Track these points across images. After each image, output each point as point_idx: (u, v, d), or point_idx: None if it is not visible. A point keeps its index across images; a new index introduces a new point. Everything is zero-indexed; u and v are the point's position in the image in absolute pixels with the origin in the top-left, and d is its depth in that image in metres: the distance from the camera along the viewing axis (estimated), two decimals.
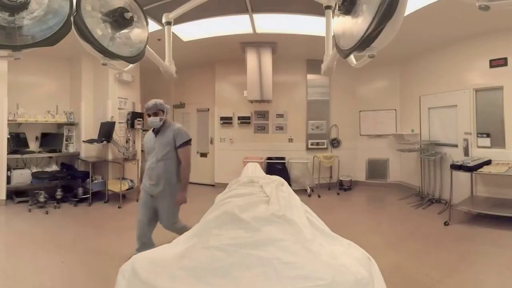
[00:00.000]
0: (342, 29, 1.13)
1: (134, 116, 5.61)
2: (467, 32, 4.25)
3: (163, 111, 2.57)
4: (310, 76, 6.14)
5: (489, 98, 4.29)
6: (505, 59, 4.05)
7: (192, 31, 4.51)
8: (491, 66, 4.19)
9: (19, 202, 4.69)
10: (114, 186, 5.00)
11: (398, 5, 0.80)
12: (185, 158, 2.61)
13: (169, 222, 2.63)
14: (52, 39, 1.13)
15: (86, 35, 1.17)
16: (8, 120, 4.74)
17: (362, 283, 1.15)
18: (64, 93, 5.70)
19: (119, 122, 5.36)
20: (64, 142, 5.32)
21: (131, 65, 1.55)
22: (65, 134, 5.35)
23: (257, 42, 5.19)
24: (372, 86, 6.51)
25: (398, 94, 6.20)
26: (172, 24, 2.04)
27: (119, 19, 1.25)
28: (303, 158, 6.01)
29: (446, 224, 3.79)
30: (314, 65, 5.70)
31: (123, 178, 5.07)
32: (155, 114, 2.50)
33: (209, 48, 5.34)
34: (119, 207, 4.75)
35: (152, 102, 2.53)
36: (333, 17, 1.42)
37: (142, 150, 2.80)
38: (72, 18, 1.16)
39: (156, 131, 2.59)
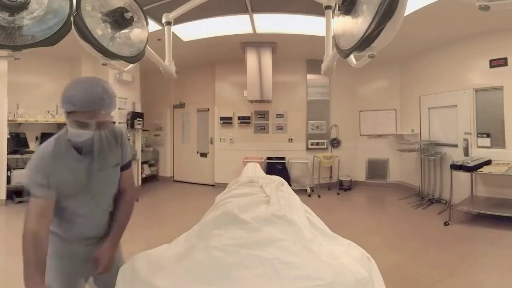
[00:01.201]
0: (342, 29, 1.13)
1: (134, 116, 5.62)
2: (467, 32, 4.25)
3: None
4: (310, 76, 6.14)
5: (489, 98, 4.29)
6: (505, 59, 4.05)
7: (192, 31, 4.51)
8: (491, 66, 4.20)
9: (19, 202, 4.69)
10: None
11: (398, 5, 0.80)
12: (133, 185, 1.45)
13: None
14: (52, 39, 1.14)
15: (86, 35, 1.17)
16: (8, 120, 4.75)
17: (362, 283, 1.15)
18: None
19: (119, 122, 5.36)
20: None
21: (131, 65, 1.55)
22: None
23: (257, 42, 5.19)
24: (372, 86, 6.51)
25: (398, 94, 6.21)
26: (172, 24, 2.04)
27: (119, 19, 1.25)
28: (303, 158, 6.01)
29: (446, 224, 3.79)
30: (314, 65, 5.70)
31: None
32: (102, 117, 1.15)
33: (209, 48, 5.35)
34: None
35: (103, 90, 1.15)
36: (333, 17, 1.42)
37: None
38: (72, 18, 1.16)
39: (87, 149, 1.19)
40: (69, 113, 1.13)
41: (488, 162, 3.99)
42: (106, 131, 1.22)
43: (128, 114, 5.57)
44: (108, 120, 1.19)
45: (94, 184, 1.24)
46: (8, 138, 4.73)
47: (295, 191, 2.35)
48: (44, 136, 5.33)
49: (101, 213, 1.32)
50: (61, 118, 5.37)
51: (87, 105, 1.10)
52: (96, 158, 1.21)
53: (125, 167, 1.40)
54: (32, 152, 5.08)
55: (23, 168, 4.99)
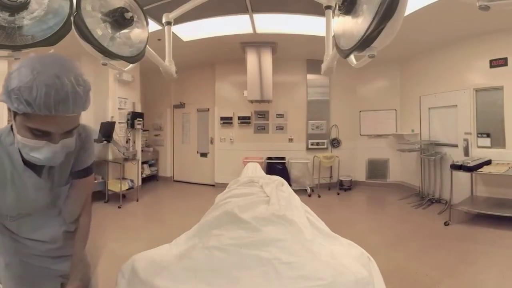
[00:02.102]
0: (342, 29, 1.13)
1: (134, 116, 5.62)
2: (467, 32, 4.25)
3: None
4: (310, 76, 6.14)
5: (489, 98, 4.29)
6: (505, 59, 4.05)
7: (192, 31, 4.51)
8: (491, 66, 4.20)
9: None
10: (114, 186, 5.00)
11: (398, 5, 0.80)
12: (89, 198, 1.14)
13: None
14: (52, 39, 1.13)
15: (86, 35, 1.16)
16: (8, 120, 4.74)
17: (362, 283, 1.15)
18: None
19: (119, 122, 5.36)
20: None
21: (131, 65, 1.54)
22: None
23: (257, 42, 5.19)
24: (372, 86, 6.51)
25: (398, 94, 6.20)
26: (172, 24, 2.04)
27: (119, 19, 1.25)
28: (303, 158, 6.01)
29: (446, 224, 3.79)
30: (314, 65, 5.71)
31: (123, 178, 5.07)
32: (72, 123, 0.84)
33: (209, 48, 5.34)
34: (119, 207, 4.75)
35: (76, 82, 0.78)
36: (333, 17, 1.42)
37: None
38: (72, 18, 1.16)
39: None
40: (17, 114, 0.78)
41: (488, 162, 3.99)
42: (74, 138, 0.88)
43: (128, 114, 5.58)
44: (77, 125, 0.86)
45: (45, 203, 0.99)
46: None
47: (295, 191, 2.35)
48: None
49: (55, 231, 1.07)
50: None
51: (52, 107, 0.74)
52: (50, 174, 0.95)
53: (86, 173, 1.06)
54: None
55: None
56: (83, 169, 1.06)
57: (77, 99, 0.78)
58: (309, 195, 5.57)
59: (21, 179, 0.91)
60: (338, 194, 5.82)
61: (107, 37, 1.25)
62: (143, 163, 6.31)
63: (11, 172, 0.89)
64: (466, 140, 4.47)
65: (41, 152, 0.82)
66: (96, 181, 5.04)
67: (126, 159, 5.25)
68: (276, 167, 5.80)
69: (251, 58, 5.42)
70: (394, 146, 6.03)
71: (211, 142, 6.67)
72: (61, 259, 1.10)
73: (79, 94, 0.78)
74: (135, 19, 1.35)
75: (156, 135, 7.24)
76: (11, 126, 0.88)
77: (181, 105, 7.05)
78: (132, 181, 5.31)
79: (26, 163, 0.90)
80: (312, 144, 6.19)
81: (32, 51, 1.12)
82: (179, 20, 2.27)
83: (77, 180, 1.06)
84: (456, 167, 3.81)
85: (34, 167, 0.91)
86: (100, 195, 5.02)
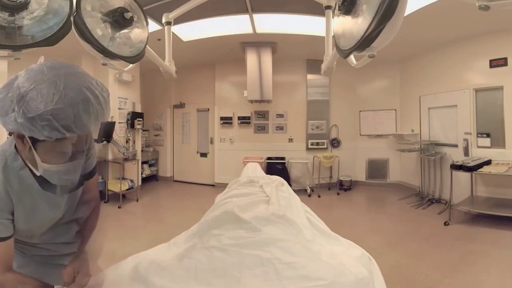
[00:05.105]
0: (342, 29, 1.13)
1: (134, 116, 5.62)
2: (467, 32, 4.26)
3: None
4: (310, 76, 6.14)
5: (489, 98, 4.29)
6: (505, 59, 4.05)
7: (192, 31, 4.52)
8: (491, 66, 4.20)
9: None
10: (114, 186, 5.00)
11: (398, 5, 0.80)
12: (97, 196, 1.21)
13: None
14: (52, 39, 1.13)
15: (86, 35, 1.16)
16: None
17: (362, 283, 1.15)
18: None
19: (119, 122, 5.36)
20: None
21: (131, 65, 1.54)
22: None
23: (257, 42, 5.19)
24: (372, 86, 6.51)
25: (398, 94, 6.20)
26: (172, 24, 2.04)
27: (119, 19, 1.25)
28: (303, 158, 6.01)
29: (446, 224, 3.79)
30: (314, 65, 5.71)
31: (123, 178, 5.07)
32: (97, 131, 0.93)
33: (209, 48, 5.35)
34: (119, 207, 4.75)
35: (101, 88, 0.73)
36: (333, 17, 1.42)
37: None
38: (72, 18, 1.16)
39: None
40: (40, 141, 0.67)
41: (488, 162, 3.99)
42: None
43: (128, 114, 5.58)
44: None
45: (61, 215, 0.99)
46: (8, 138, 4.72)
47: (295, 191, 2.35)
48: None
49: (71, 234, 1.10)
50: None
51: (92, 123, 0.69)
52: (63, 187, 0.93)
53: (92, 174, 1.07)
54: None
55: None
56: (91, 170, 1.08)
57: (107, 106, 0.73)
58: (309, 195, 5.57)
59: (39, 203, 0.86)
60: (338, 194, 5.82)
61: (107, 37, 1.25)
62: (143, 163, 6.31)
63: (28, 198, 0.83)
64: (466, 140, 4.47)
65: (73, 172, 0.76)
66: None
67: (126, 159, 5.25)
68: (276, 167, 5.80)
69: (251, 58, 5.42)
70: (394, 146, 6.04)
71: (211, 142, 6.67)
72: (71, 254, 1.12)
73: (107, 100, 0.73)
74: (135, 19, 1.35)
75: (156, 135, 7.24)
76: (15, 147, 0.79)
77: (181, 105, 7.05)
78: (132, 181, 5.31)
79: (41, 185, 0.84)
80: (312, 144, 6.19)
81: (32, 50, 1.13)
82: (179, 20, 2.27)
83: (86, 182, 1.08)
84: (456, 167, 3.81)
85: (48, 186, 0.85)
86: (100, 195, 5.01)
